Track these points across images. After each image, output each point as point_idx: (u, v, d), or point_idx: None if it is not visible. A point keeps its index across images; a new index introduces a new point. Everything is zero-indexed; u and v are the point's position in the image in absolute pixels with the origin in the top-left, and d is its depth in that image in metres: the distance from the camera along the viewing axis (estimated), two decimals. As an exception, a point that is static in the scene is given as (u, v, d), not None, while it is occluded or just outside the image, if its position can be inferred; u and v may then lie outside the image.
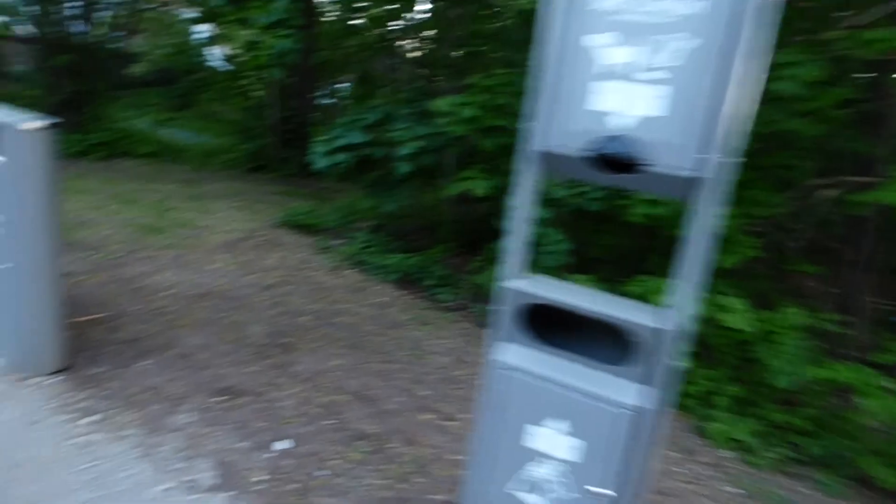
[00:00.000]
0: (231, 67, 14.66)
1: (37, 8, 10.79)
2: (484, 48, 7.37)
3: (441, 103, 5.76)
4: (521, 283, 1.74)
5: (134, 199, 7.85)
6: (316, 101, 14.85)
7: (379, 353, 4.53)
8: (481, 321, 5.83)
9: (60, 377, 3.13)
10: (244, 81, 13.93)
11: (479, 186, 6.02)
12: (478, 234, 8.00)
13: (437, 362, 4.65)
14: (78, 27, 11.33)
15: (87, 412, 2.89)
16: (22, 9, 11.12)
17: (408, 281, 6.63)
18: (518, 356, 1.70)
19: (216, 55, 14.54)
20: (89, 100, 11.69)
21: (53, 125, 2.82)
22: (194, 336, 4.09)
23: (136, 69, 14.05)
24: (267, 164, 13.47)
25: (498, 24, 7.95)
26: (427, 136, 6.12)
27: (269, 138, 13.49)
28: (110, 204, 7.17)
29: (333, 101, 15.56)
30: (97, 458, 2.56)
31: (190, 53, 14.12)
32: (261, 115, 13.82)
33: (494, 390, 1.73)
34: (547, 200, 5.27)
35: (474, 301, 6.27)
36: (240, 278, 5.62)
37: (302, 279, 6.01)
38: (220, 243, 6.70)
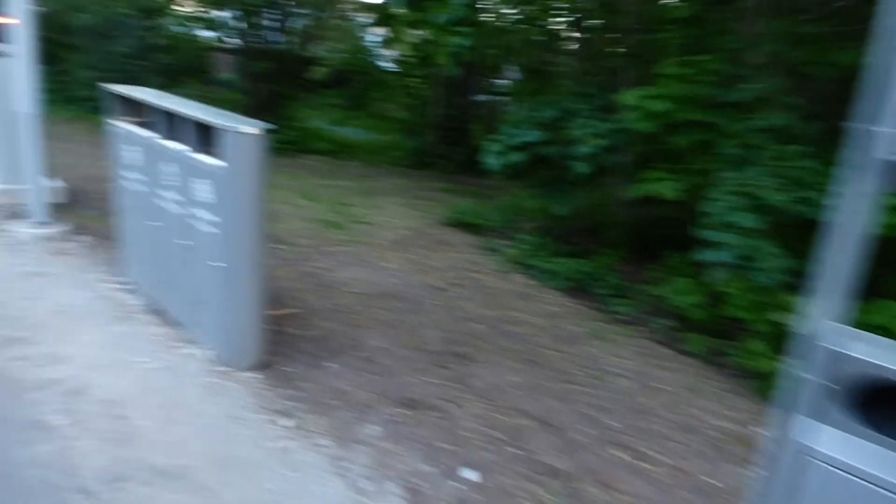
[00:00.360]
0: (398, 69, 15.15)
1: (243, 23, 11.98)
2: (669, 33, 6.58)
3: (627, 97, 5.18)
4: (851, 342, 1.25)
5: (315, 195, 8.28)
6: (477, 99, 14.80)
7: (556, 371, 4.15)
8: (662, 338, 5.19)
9: (261, 374, 3.19)
10: (411, 81, 14.30)
11: (669, 188, 5.35)
12: (655, 240, 7.24)
13: (620, 386, 4.15)
14: (275, 37, 12.41)
15: (284, 414, 2.89)
16: (230, 23, 12.44)
17: (578, 289, 6.16)
18: (839, 445, 1.21)
19: (387, 57, 15.12)
20: (280, 102, 12.80)
21: (268, 130, 2.83)
22: (376, 338, 4.05)
23: (317, 73, 15.15)
24: (429, 160, 13.70)
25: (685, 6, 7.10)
26: (609, 133, 5.58)
27: (432, 136, 13.72)
28: (296, 199, 7.61)
29: (494, 97, 15.40)
30: (294, 468, 2.52)
31: (363, 56, 14.83)
32: (424, 113, 14.10)
33: (796, 485, 1.27)
34: (759, 206, 4.49)
35: (653, 315, 5.62)
36: (412, 278, 5.58)
37: (471, 282, 5.83)
38: (391, 240, 6.78)
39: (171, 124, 3.29)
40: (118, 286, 4.01)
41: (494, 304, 5.27)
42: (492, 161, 6.18)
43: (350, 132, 14.86)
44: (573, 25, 8.90)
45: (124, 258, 4.09)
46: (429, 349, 4.05)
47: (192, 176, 3.09)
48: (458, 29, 5.69)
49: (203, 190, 3.02)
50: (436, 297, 5.19)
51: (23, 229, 4.57)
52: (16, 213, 5.15)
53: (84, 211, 5.58)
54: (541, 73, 7.18)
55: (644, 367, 4.53)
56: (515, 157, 6.05)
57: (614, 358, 4.59)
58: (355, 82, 14.80)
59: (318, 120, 14.65)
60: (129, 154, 3.68)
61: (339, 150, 13.94)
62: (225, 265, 3.02)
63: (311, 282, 4.94)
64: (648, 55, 6.84)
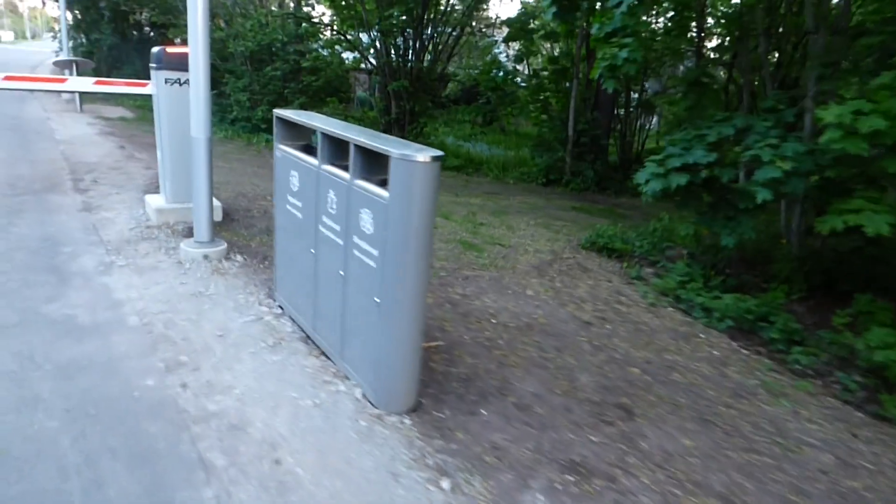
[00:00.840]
0: (532, 83, 14.79)
1: (382, 43, 12.35)
2: (876, 37, 5.57)
3: (828, 113, 4.37)
4: None
5: (450, 213, 8.14)
6: (615, 114, 14.03)
7: (735, 436, 3.50)
8: (850, 398, 4.28)
9: (413, 419, 2.96)
10: (544, 95, 13.89)
11: (875, 223, 4.44)
12: (837, 277, 6.19)
13: (815, 460, 3.40)
14: (410, 56, 12.66)
15: (441, 472, 2.61)
16: (369, 43, 12.90)
17: (741, 329, 5.35)
18: None
19: (520, 72, 14.83)
20: (413, 119, 13.04)
21: (438, 158, 2.59)
22: (526, 380, 3.68)
23: (449, 89, 15.28)
24: (560, 177, 13.17)
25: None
26: (799, 155, 4.78)
27: (565, 152, 13.19)
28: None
29: (633, 112, 14.52)
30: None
31: (495, 72, 14.70)
32: (556, 128, 13.62)
33: None
34: None
35: (841, 369, 4.69)
36: (556, 310, 5.15)
37: (619, 316, 5.27)
38: (530, 265, 6.40)
39: (335, 150, 3.19)
40: (271, 310, 4.02)
41: (648, 344, 4.68)
42: (651, 184, 5.58)
43: (480, 147, 14.74)
44: (735, 29, 7.96)
45: (276, 280, 4.11)
46: (586, 397, 3.61)
47: (356, 204, 2.94)
48: (619, 41, 5.21)
49: (366, 220, 2.85)
50: (582, 332, 4.73)
51: (188, 248, 4.80)
52: (181, 230, 5.49)
53: (239, 229, 5.83)
54: (702, 85, 6.44)
55: (839, 437, 3.73)
56: (678, 180, 5.41)
57: (800, 422, 3.83)
58: (487, 98, 14.71)
59: (450, 136, 14.73)
60: (291, 178, 3.66)
61: (469, 166, 13.85)
62: (380, 301, 2.82)
63: (452, 310, 4.70)
64: (839, 63, 5.88)
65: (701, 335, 5.24)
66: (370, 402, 3.04)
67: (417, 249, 2.71)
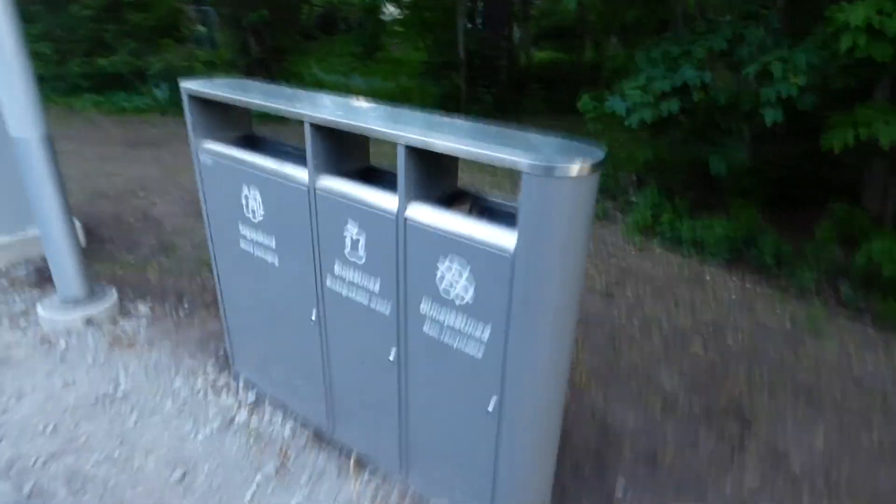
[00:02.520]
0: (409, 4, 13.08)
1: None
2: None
3: (853, 14, 3.68)
4: None
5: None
6: (507, 31, 12.88)
7: (844, 411, 2.92)
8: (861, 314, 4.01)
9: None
10: (426, 16, 12.31)
11: (889, 133, 3.97)
12: (798, 186, 5.95)
13: None
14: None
15: None
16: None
17: (733, 260, 4.90)
18: None
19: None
20: (279, 57, 10.86)
21: (600, 163, 1.39)
22: (623, 407, 2.77)
23: (309, 12, 13.00)
24: (458, 106, 11.98)
25: None
26: (813, 67, 4.11)
27: (460, 78, 11.95)
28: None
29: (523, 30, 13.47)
30: None
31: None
32: (445, 52, 12.24)
33: None
34: None
35: (836, 283, 4.41)
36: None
37: (626, 274, 4.50)
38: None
39: (342, 150, 1.83)
40: (237, 398, 2.61)
41: (669, 300, 4.02)
42: (639, 113, 4.68)
43: (366, 82, 12.92)
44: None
45: (232, 348, 2.67)
46: (683, 410, 2.78)
47: (424, 251, 1.65)
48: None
49: (453, 279, 1.59)
50: (612, 309, 3.90)
51: (55, 315, 3.08)
52: (25, 278, 3.62)
53: (118, 253, 4.06)
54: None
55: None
56: (671, 107, 4.56)
57: (859, 363, 3.38)
58: (363, 25, 12.72)
59: (326, 73, 12.68)
60: (243, 198, 2.19)
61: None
62: (492, 409, 1.65)
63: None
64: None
65: (707, 277, 4.67)
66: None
67: (565, 325, 1.55)
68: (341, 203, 1.80)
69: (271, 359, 2.45)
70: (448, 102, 12.02)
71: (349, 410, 2.19)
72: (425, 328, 1.73)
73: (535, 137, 1.56)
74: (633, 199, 6.23)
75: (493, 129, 1.65)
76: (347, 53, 12.80)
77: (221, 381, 2.70)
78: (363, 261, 1.82)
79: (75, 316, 3.07)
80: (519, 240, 1.41)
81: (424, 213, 1.61)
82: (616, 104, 4.95)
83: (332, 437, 2.32)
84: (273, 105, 1.88)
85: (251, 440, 2.34)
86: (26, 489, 2.11)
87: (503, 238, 1.46)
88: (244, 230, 2.24)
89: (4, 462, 2.23)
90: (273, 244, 2.13)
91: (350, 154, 1.97)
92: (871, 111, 4.19)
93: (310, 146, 1.83)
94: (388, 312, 1.82)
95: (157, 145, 7.26)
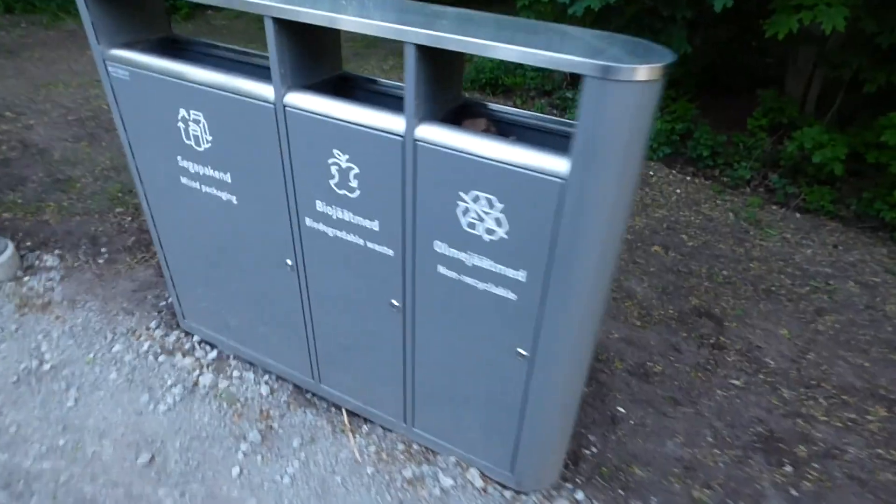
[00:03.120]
0: None
1: None
2: None
3: None
4: None
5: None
6: None
7: (798, 300, 3.07)
8: (789, 202, 4.23)
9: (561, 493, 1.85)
10: None
11: (831, 18, 3.95)
12: (727, 74, 5.99)
13: (847, 293, 3.16)
14: None
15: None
16: None
17: (672, 154, 4.96)
18: None
19: None
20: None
21: (669, 67, 1.13)
22: (605, 318, 2.71)
23: None
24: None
25: None
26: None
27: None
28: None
29: None
30: None
31: None
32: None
33: None
34: None
35: (766, 175, 4.60)
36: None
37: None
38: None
39: (308, 51, 1.44)
40: (198, 360, 2.27)
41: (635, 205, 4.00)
42: (578, 3, 4.34)
43: None
44: None
45: (177, 301, 2.28)
46: (661, 315, 2.80)
47: (440, 181, 1.35)
48: None
49: (476, 212, 1.32)
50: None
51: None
52: None
53: (4, 194, 3.35)
54: None
55: (831, 256, 3.57)
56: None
57: (800, 250, 3.58)
58: None
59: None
60: (178, 123, 1.73)
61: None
62: (528, 353, 1.47)
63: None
64: None
65: (651, 173, 4.69)
66: (498, 483, 1.83)
67: (611, 257, 1.34)
68: (323, 124, 1.43)
69: (233, 310, 2.11)
70: None
71: (337, 361, 1.94)
72: (441, 269, 1.47)
73: (578, 32, 1.26)
74: (569, 94, 6.04)
75: (519, 21, 1.31)
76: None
77: (171, 340, 2.33)
78: (357, 195, 1.49)
79: (-37, 277, 2.50)
80: (575, 162, 1.15)
81: (441, 135, 1.29)
82: (558, -9, 4.56)
83: (318, 390, 2.08)
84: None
85: (224, 405, 2.05)
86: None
87: (551, 162, 1.19)
88: (184, 163, 1.80)
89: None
90: (228, 178, 1.73)
91: (322, 60, 1.56)
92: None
93: (275, 51, 1.41)
94: (391, 253, 1.53)
95: (14, 53, 6.02)
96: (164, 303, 2.52)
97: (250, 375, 2.18)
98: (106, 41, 1.74)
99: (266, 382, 2.15)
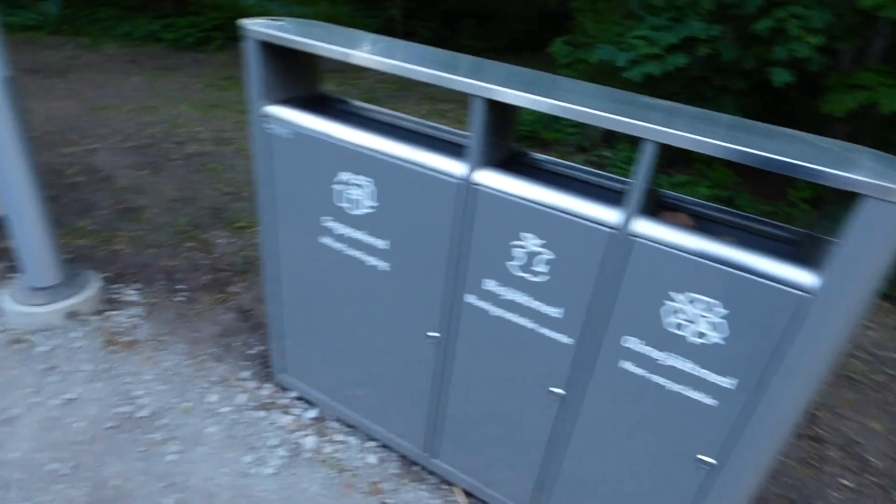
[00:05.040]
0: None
1: None
2: None
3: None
4: None
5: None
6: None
7: None
8: None
9: None
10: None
11: (891, 99, 4.05)
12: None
13: None
14: None
15: None
16: None
17: None
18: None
19: None
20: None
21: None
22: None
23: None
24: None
25: None
26: (830, 26, 4.02)
27: (397, 9, 11.06)
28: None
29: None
30: None
31: None
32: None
33: None
34: None
35: None
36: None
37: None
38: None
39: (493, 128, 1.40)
40: (300, 418, 2.15)
41: None
42: (644, 67, 4.42)
43: (277, 6, 11.56)
44: None
45: (278, 353, 2.18)
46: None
47: (659, 280, 1.30)
48: None
49: (692, 314, 1.27)
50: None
51: (27, 307, 2.38)
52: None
53: (72, 219, 3.24)
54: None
55: None
56: (677, 61, 4.34)
57: (872, 336, 3.55)
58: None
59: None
60: (334, 185, 1.68)
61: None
62: (717, 461, 1.39)
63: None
64: None
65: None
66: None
67: (829, 366, 1.29)
68: (514, 205, 1.39)
69: (348, 372, 2.01)
70: (382, 34, 11.14)
71: (466, 439, 1.84)
72: (625, 364, 1.40)
73: (818, 140, 1.23)
74: (606, 153, 6.09)
75: (739, 121, 1.29)
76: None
77: (265, 394, 2.22)
78: (541, 279, 1.43)
79: (53, 308, 2.38)
80: (831, 278, 1.10)
81: (661, 232, 1.25)
82: (612, 53, 4.65)
83: (429, 464, 1.97)
84: (431, 73, 1.38)
85: (332, 473, 1.93)
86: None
87: (795, 274, 1.14)
88: (330, 223, 1.74)
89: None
90: (383, 245, 1.66)
91: (506, 137, 1.54)
92: (871, 75, 4.22)
93: (479, 132, 1.38)
94: (567, 342, 1.47)
95: (64, 73, 6.00)
96: (252, 352, 2.42)
97: (354, 441, 2.06)
98: (268, 97, 1.70)
99: (372, 450, 2.04)
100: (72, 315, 2.42)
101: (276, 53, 1.65)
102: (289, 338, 2.11)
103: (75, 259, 2.84)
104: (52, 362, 2.23)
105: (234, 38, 9.06)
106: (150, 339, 2.41)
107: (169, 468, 1.88)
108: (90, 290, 2.51)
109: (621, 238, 1.28)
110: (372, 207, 1.62)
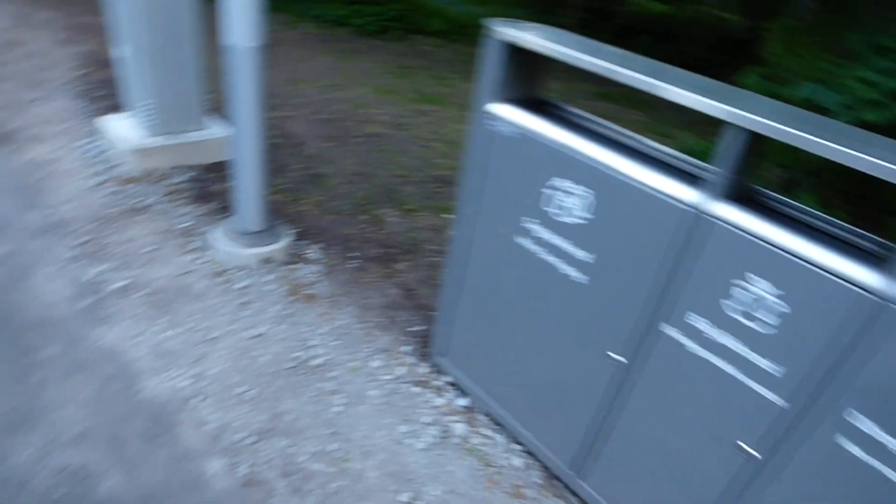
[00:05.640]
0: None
1: None
2: None
3: None
4: None
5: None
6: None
7: None
8: None
9: None
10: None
11: None
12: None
13: None
14: None
15: None
16: None
17: None
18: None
19: None
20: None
21: None
22: None
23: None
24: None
25: None
26: None
27: (572, 16, 10.94)
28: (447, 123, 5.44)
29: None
30: None
31: None
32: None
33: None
34: None
35: None
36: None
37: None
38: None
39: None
40: (451, 404, 2.23)
41: None
42: (849, 113, 3.96)
43: (463, 7, 11.92)
44: None
45: (441, 337, 2.26)
46: None
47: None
48: None
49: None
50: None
51: (229, 246, 2.70)
52: (186, 188, 3.23)
53: (271, 178, 3.62)
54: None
55: None
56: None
57: None
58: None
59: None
60: (545, 190, 1.70)
61: (457, 32, 11.17)
62: None
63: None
64: None
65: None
66: None
67: None
68: (749, 244, 1.31)
69: (511, 371, 2.04)
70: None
71: (620, 470, 1.79)
72: (841, 440, 1.27)
73: None
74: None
75: None
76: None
77: (421, 371, 2.32)
78: (764, 330, 1.34)
79: (252, 252, 2.68)
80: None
81: (929, 309, 1.11)
82: (819, 93, 4.21)
83: (572, 483, 1.94)
84: (695, 98, 1.34)
85: (478, 464, 1.97)
86: (241, 473, 1.78)
87: None
88: (531, 225, 1.77)
89: (212, 430, 1.90)
90: (586, 258, 1.66)
91: (752, 172, 1.46)
92: None
93: (727, 163, 1.32)
94: (777, 402, 1.36)
95: (269, 45, 6.67)
96: (413, 329, 2.53)
97: (500, 439, 2.09)
98: (493, 95, 1.76)
99: (517, 453, 2.05)
100: (266, 261, 2.70)
101: (515, 55, 1.70)
102: (457, 324, 2.18)
103: (269, 212, 3.16)
104: (246, 298, 2.50)
105: (410, 29, 9.57)
106: (326, 297, 2.62)
107: (334, 418, 2.03)
108: (282, 241, 2.78)
109: (881, 307, 1.16)
110: (584, 218, 1.62)
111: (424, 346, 2.42)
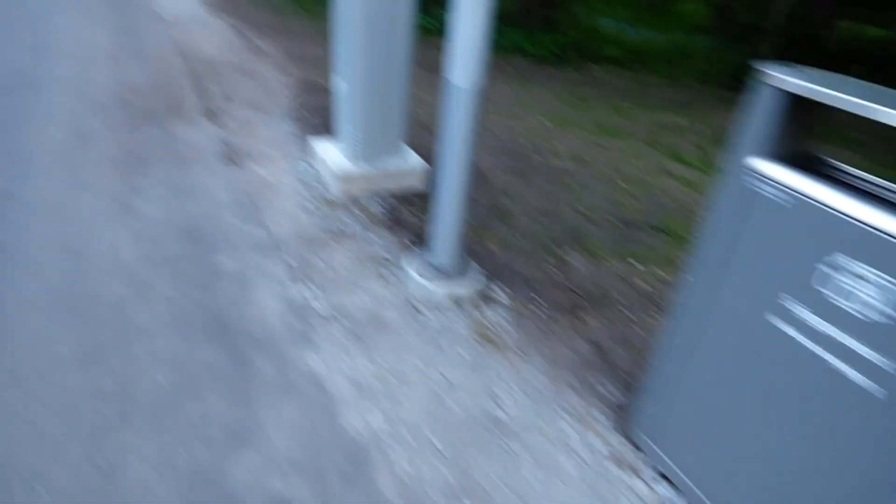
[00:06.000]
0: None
1: None
2: None
3: None
4: None
5: (677, 153, 5.54)
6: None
7: None
8: None
9: None
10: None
11: None
12: None
13: None
14: None
15: None
16: None
17: None
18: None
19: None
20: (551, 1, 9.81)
21: None
22: None
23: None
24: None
25: None
26: None
27: (767, 44, 9.84)
28: (666, 161, 5.00)
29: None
30: None
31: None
32: (748, 8, 10.12)
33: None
34: None
35: None
36: None
37: None
38: None
39: None
40: (654, 492, 1.96)
41: None
42: None
43: (638, 34, 11.39)
44: None
45: (654, 424, 2.00)
46: None
47: None
48: None
49: None
50: None
51: (424, 281, 2.70)
52: (380, 215, 3.36)
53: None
54: None
55: None
56: None
57: None
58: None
59: (607, 18, 11.37)
60: (834, 275, 1.40)
61: (634, 60, 10.67)
62: None
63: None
64: None
65: None
66: None
67: None
68: None
69: (745, 476, 1.72)
70: (744, 76, 10.02)
71: None
72: None
73: None
74: None
75: None
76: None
77: (614, 442, 2.08)
78: None
79: (444, 290, 2.66)
80: None
81: None
82: None
83: None
84: None
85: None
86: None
87: None
88: (793, 305, 1.46)
89: (405, 479, 1.85)
90: (882, 364, 1.32)
91: None
92: None
93: None
94: None
95: (436, 72, 6.87)
96: (606, 394, 2.30)
97: (719, 548, 1.77)
98: (755, 149, 1.50)
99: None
100: (456, 299, 2.66)
101: (790, 106, 1.43)
102: (670, 404, 1.91)
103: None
104: (438, 339, 2.47)
105: (584, 56, 9.34)
106: (514, 345, 2.50)
107: (526, 486, 1.88)
108: (473, 280, 2.72)
109: None
110: (888, 316, 1.29)
111: (620, 416, 2.18)
